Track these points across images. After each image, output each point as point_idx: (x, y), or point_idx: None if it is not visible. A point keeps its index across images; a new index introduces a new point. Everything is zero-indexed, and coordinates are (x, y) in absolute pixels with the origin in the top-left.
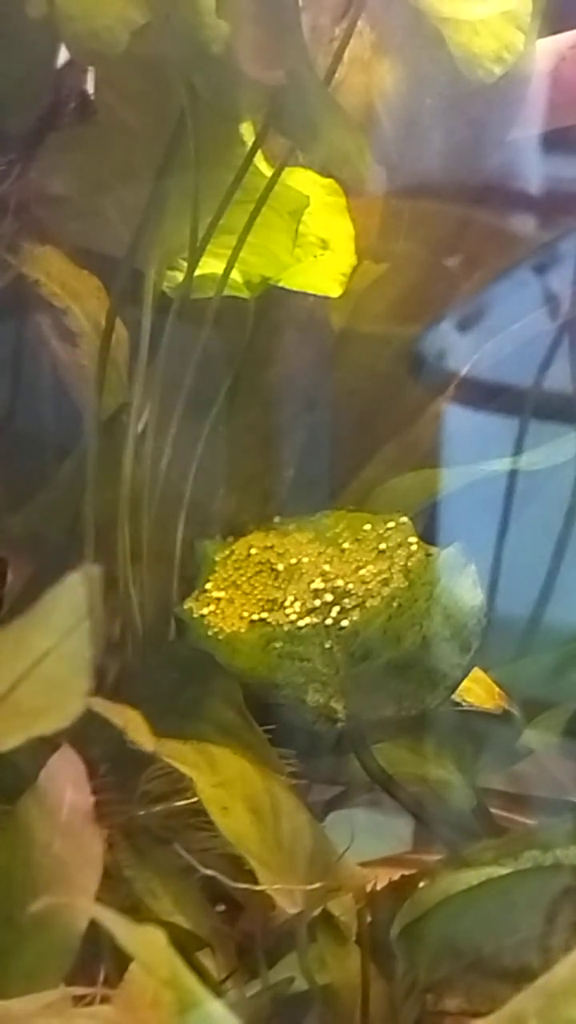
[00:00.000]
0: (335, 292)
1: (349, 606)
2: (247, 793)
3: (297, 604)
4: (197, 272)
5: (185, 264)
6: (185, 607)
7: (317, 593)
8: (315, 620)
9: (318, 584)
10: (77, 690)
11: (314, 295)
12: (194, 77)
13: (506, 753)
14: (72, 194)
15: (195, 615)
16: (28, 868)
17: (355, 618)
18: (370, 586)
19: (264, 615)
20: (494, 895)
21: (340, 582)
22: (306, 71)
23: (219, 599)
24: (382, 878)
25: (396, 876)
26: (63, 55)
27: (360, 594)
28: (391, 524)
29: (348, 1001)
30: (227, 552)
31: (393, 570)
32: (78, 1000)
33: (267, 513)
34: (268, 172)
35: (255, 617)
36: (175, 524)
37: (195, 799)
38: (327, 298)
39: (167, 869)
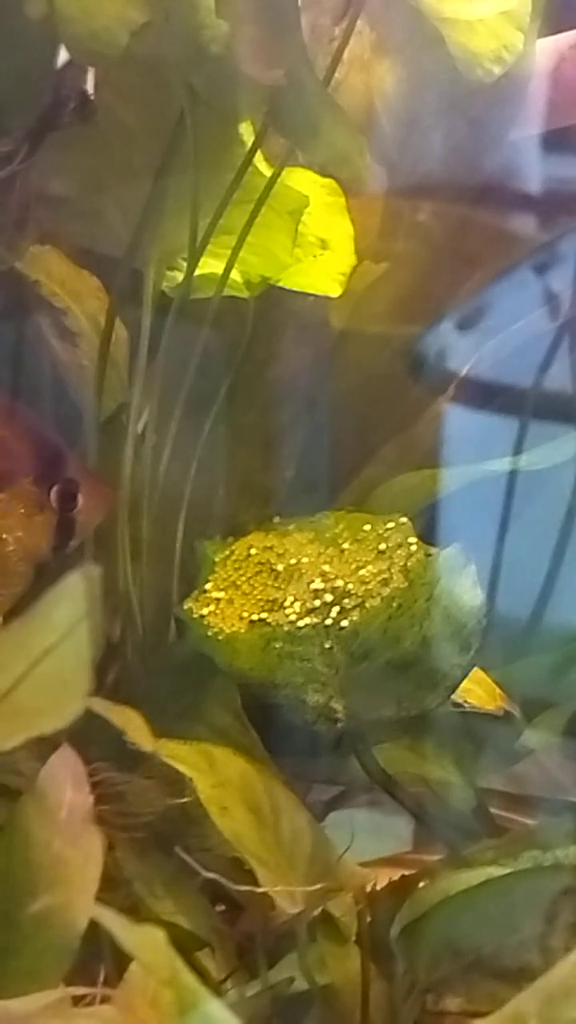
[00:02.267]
0: (335, 292)
1: (349, 606)
2: (247, 793)
3: (297, 604)
4: (197, 272)
5: (185, 264)
6: (185, 607)
7: (317, 593)
8: (315, 620)
9: (318, 584)
10: (77, 690)
11: (314, 295)
12: (194, 77)
13: (506, 753)
14: (72, 194)
15: (195, 615)
16: (28, 868)
17: (355, 618)
18: (370, 586)
19: (264, 615)
20: (494, 895)
21: (340, 582)
22: (306, 71)
23: (219, 599)
24: (382, 878)
25: (396, 876)
26: (63, 55)
27: (360, 594)
28: (391, 524)
29: (348, 1001)
30: (227, 552)
31: (393, 570)
32: (78, 1000)
33: (267, 513)
34: (268, 172)
35: (255, 617)
36: (175, 524)
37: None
38: (327, 298)
39: (167, 869)
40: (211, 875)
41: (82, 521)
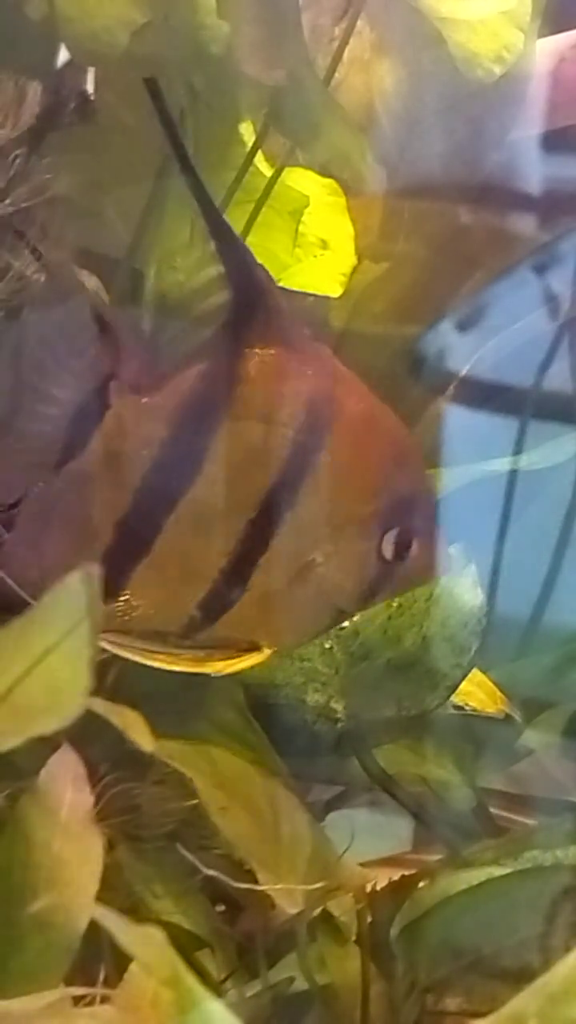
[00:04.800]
0: (335, 292)
1: None
2: (247, 793)
3: None
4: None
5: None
6: None
7: None
8: None
9: None
10: (77, 690)
11: (314, 295)
12: (194, 77)
13: (506, 753)
14: (72, 194)
15: None
16: (28, 868)
17: (355, 618)
18: None
19: None
20: (494, 895)
21: None
22: (306, 71)
23: None
24: (382, 878)
25: (396, 876)
26: (63, 55)
27: None
28: None
29: (348, 1001)
30: None
31: None
32: (78, 1000)
33: None
34: (268, 172)
35: None
36: None
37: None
38: (327, 298)
39: (167, 869)
40: (211, 872)
41: (402, 578)
